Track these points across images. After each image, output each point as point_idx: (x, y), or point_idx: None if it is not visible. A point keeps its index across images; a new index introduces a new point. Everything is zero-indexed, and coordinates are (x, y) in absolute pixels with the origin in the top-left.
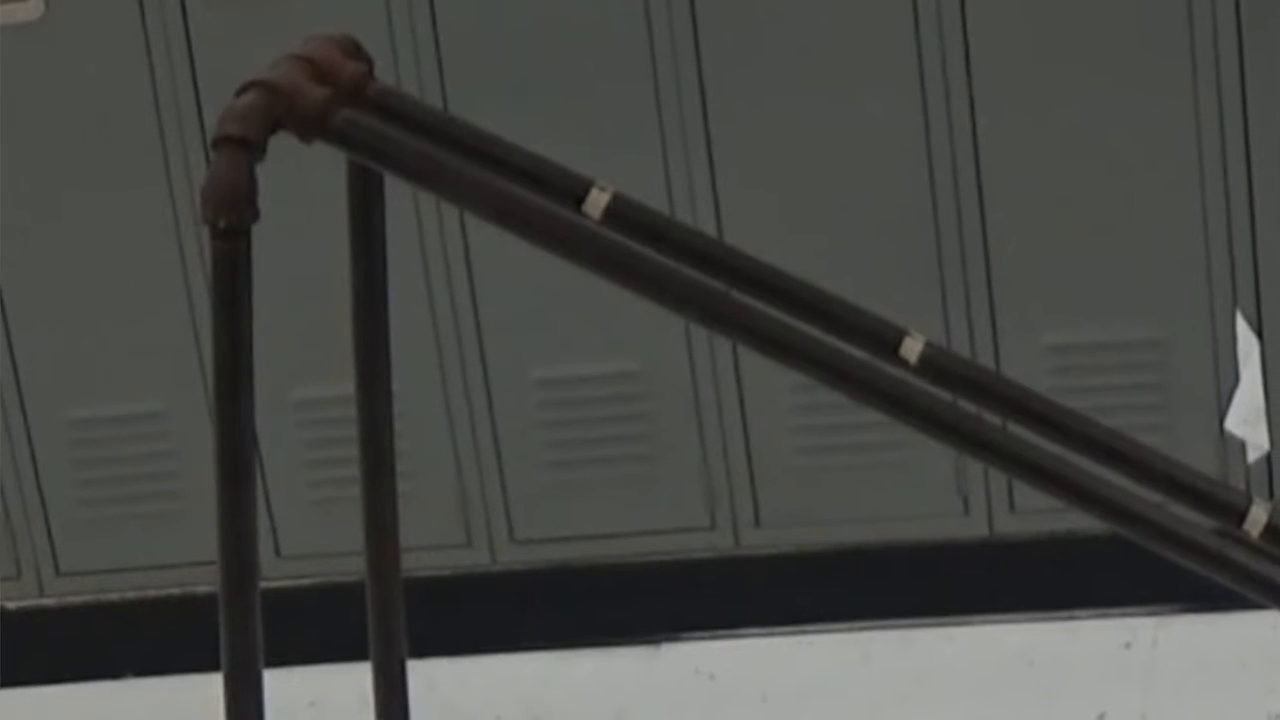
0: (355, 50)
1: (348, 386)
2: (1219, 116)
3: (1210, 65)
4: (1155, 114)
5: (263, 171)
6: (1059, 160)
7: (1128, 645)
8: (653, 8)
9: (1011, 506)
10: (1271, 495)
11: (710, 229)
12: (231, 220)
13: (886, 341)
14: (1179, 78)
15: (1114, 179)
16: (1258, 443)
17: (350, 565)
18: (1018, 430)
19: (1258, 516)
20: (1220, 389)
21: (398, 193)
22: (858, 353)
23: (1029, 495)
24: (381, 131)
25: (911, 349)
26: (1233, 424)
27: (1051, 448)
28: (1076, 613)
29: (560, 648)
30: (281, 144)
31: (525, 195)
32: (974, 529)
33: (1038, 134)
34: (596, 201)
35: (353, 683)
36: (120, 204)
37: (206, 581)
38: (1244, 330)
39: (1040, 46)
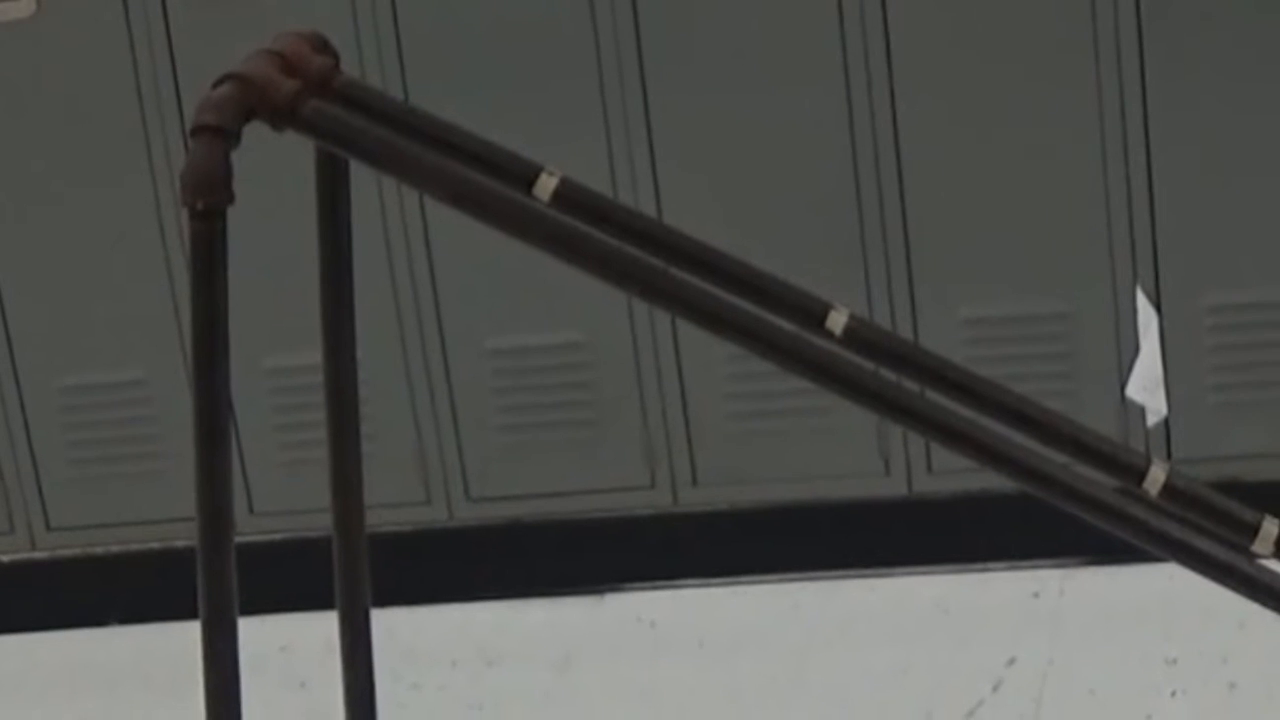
0: (323, 46)
1: (315, 355)
2: (1120, 106)
3: (1112, 57)
4: (1061, 104)
5: (237, 158)
6: (973, 147)
7: (1036, 595)
8: (598, 8)
9: (929, 467)
10: (1169, 457)
11: (651, 211)
12: (208, 203)
13: (813, 315)
14: (1083, 70)
15: (1024, 165)
16: (1156, 408)
17: (318, 521)
18: (935, 397)
19: (1156, 476)
20: (1121, 359)
21: (362, 178)
22: (786, 325)
23: (945, 457)
24: (347, 121)
25: (836, 321)
26: (1133, 391)
27: (966, 413)
28: (989, 565)
29: (511, 597)
30: (254, 132)
31: (480, 179)
32: (894, 488)
33: (953, 123)
34: (546, 185)
35: (320, 630)
36: (106, 188)
37: (185, 536)
38: (1144, 304)
39: (955, 42)
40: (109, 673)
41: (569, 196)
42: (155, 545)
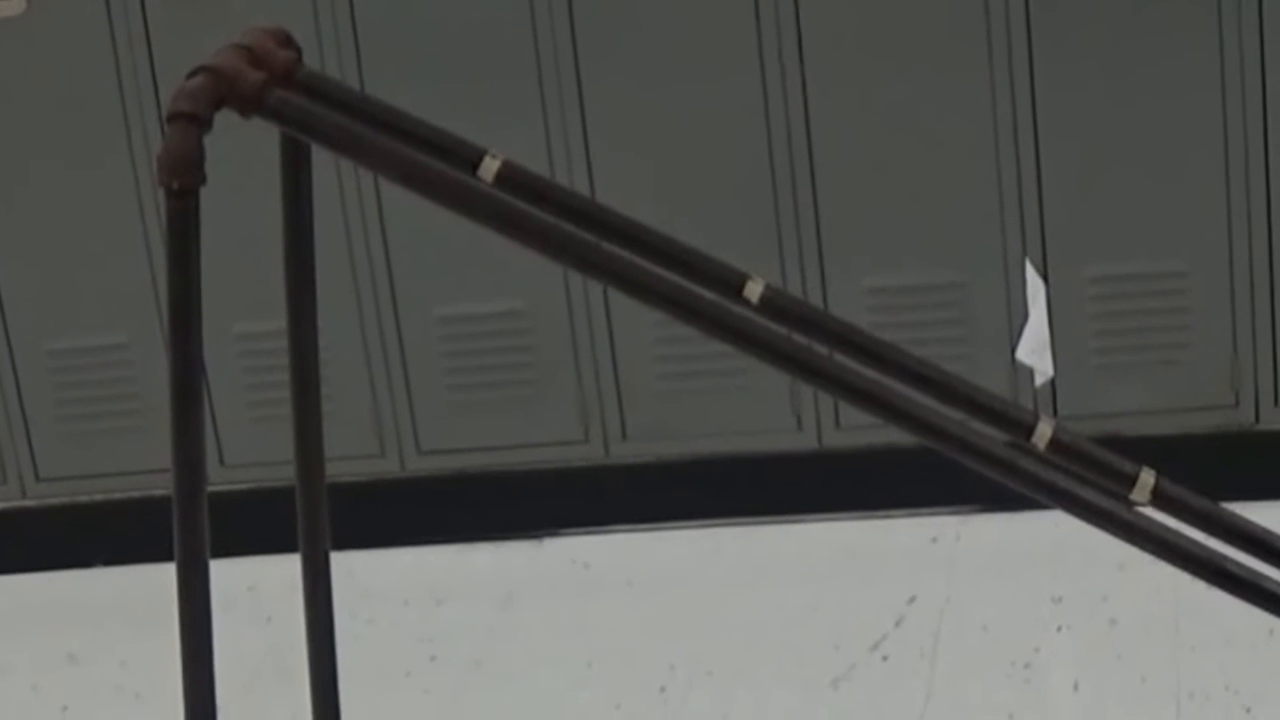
0: (287, 41)
1: (280, 322)
2: (1011, 95)
3: (1004, 50)
4: (957, 93)
5: (209, 143)
6: (878, 131)
7: (934, 540)
8: (536, 7)
9: (837, 423)
10: (1055, 413)
11: (585, 190)
12: (183, 183)
13: (732, 285)
14: (977, 62)
15: (924, 147)
16: (1044, 370)
17: (282, 472)
18: (842, 359)
19: (1043, 431)
20: (1012, 325)
21: (322, 161)
22: (708, 294)
23: (852, 414)
24: (308, 109)
25: (753, 291)
26: (1022, 354)
27: (871, 374)
28: (891, 513)
29: (458, 542)
30: (225, 120)
31: (429, 162)
32: (805, 442)
33: (860, 110)
34: (489, 167)
35: (284, 571)
36: (90, 170)
37: (162, 486)
38: (1032, 275)
39: (860, 37)
40: (94, 610)
41: (510, 178)
42: (135, 494)
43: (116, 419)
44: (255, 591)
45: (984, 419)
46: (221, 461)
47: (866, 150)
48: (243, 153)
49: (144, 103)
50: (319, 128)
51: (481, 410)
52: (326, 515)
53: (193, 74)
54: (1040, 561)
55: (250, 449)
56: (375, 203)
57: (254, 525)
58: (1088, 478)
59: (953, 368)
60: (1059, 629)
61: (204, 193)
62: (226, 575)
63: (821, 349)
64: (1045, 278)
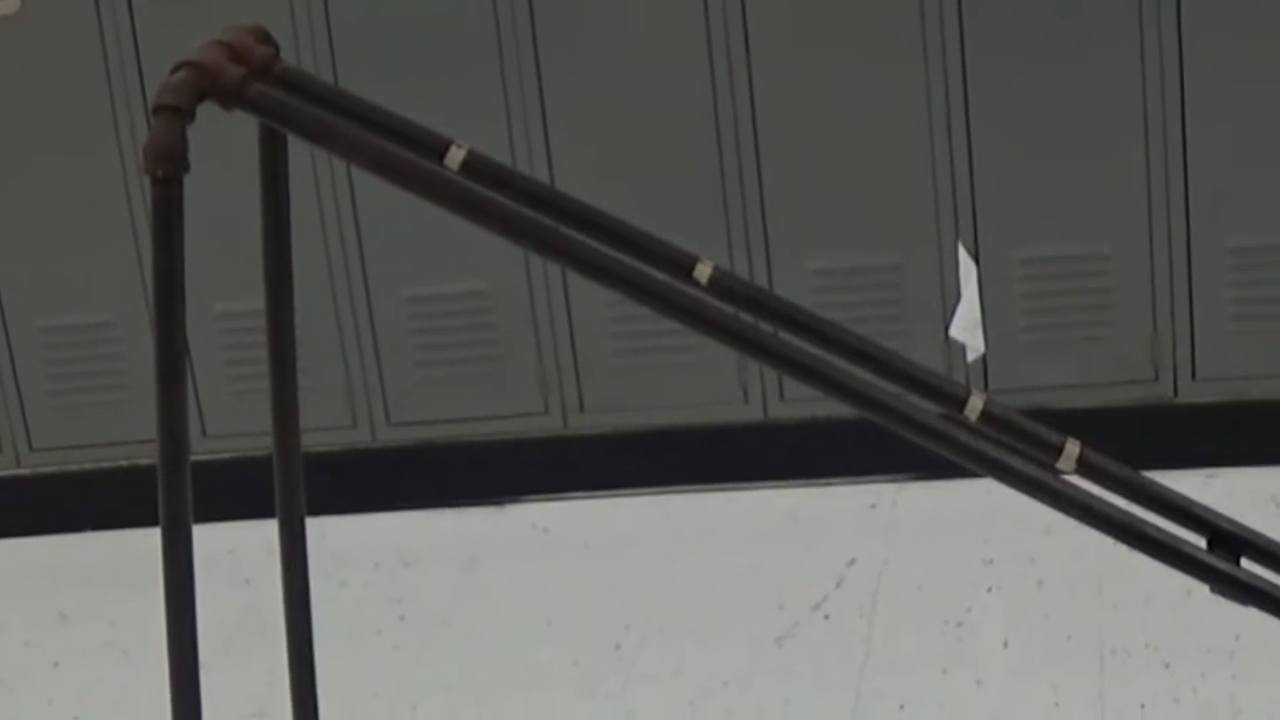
0: (265, 37)
1: (259, 301)
2: (945, 88)
3: (938, 45)
4: (894, 86)
5: (192, 133)
6: (819, 123)
7: (873, 506)
8: (499, 6)
9: (781, 396)
10: (986, 387)
11: (544, 178)
12: (167, 172)
13: (682, 266)
14: (913, 56)
15: (863, 138)
16: (975, 346)
17: (260, 443)
18: (787, 336)
19: (975, 404)
20: (945, 304)
21: (298, 150)
22: (660, 275)
23: (795, 387)
24: (285, 102)
25: (702, 272)
26: (956, 331)
27: (813, 350)
28: (832, 480)
29: (425, 508)
30: (207, 112)
31: (398, 151)
32: (752, 414)
33: (802, 102)
34: (455, 156)
35: (262, 535)
36: (81, 159)
37: (147, 455)
38: (964, 258)
39: (803, 33)
40: (83, 572)
41: (475, 166)
42: (123, 463)
43: (105, 393)
44: (235, 554)
45: (919, 392)
46: (204, 432)
47: (809, 140)
48: (224, 143)
49: (131, 96)
50: (295, 119)
51: (447, 384)
52: (302, 483)
53: (176, 69)
54: (972, 526)
55: (230, 420)
56: (348, 190)
57: (234, 492)
58: (1016, 448)
59: (890, 344)
60: (989, 589)
61: (187, 180)
62: (208, 539)
63: (767, 327)
64: (977, 260)
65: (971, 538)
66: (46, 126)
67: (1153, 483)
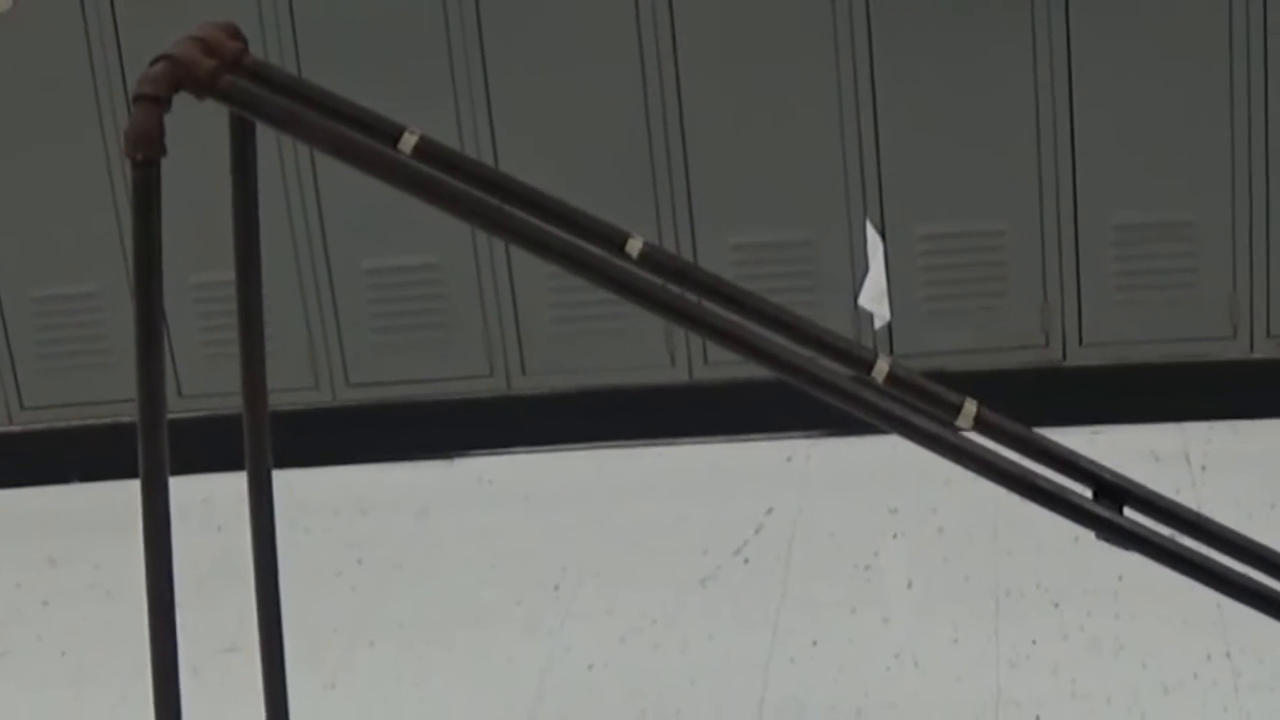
0: (235, 33)
1: (229, 273)
2: (854, 78)
3: (847, 38)
4: (808, 76)
5: (169, 121)
6: (740, 110)
7: (789, 459)
8: (449, 6)
9: (705, 360)
10: (892, 352)
11: (490, 161)
12: (146, 155)
13: (615, 241)
14: (825, 49)
15: (780, 125)
16: (882, 315)
17: (231, 402)
18: (710, 305)
19: (881, 367)
20: (854, 275)
21: (265, 135)
22: (595, 250)
23: (718, 351)
24: (254, 92)
25: (634, 247)
26: (864, 301)
27: (734, 318)
28: (751, 436)
29: (381, 461)
30: (182, 101)
31: (356, 137)
32: (678, 376)
33: (724, 91)
34: (408, 141)
35: (233, 486)
36: (69, 143)
37: (129, 413)
38: (872, 234)
39: (726, 28)
40: (70, 520)
41: (426, 150)
42: (106, 420)
43: (89, 356)
44: (208, 504)
45: (831, 356)
46: (179, 392)
47: (731, 126)
48: (198, 129)
49: (113, 87)
50: (263, 108)
51: (401, 349)
52: (269, 438)
53: (154, 62)
54: (879, 478)
55: (204, 382)
56: (311, 172)
57: (207, 447)
58: (919, 406)
59: (804, 313)
60: (895, 535)
61: (164, 163)
62: (183, 490)
63: (692, 297)
64: (883, 235)
65: (878, 489)
66: (38, 115)
67: (1043, 438)
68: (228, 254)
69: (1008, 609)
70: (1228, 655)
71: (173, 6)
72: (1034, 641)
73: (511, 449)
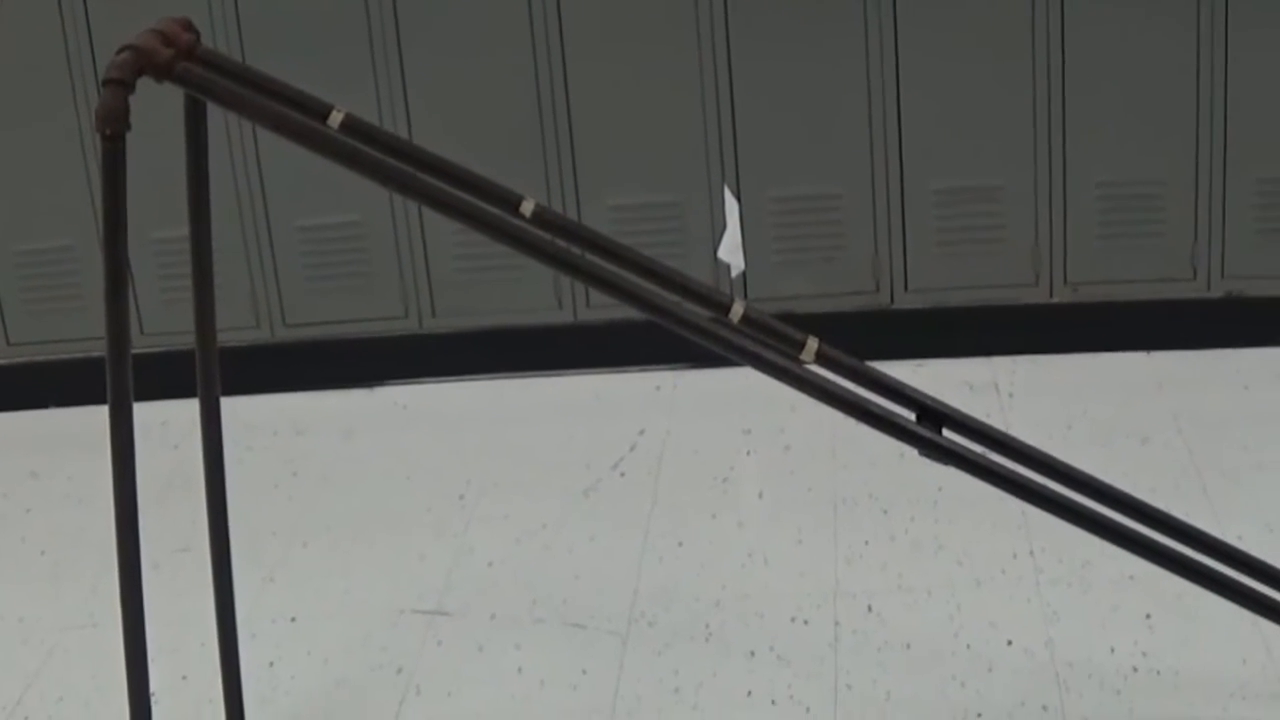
0: (189, 26)
1: (184, 229)
2: (714, 61)
3: (708, 27)
4: (675, 59)
5: (133, 101)
6: (617, 89)
7: (658, 388)
8: (370, 4)
9: (588, 304)
10: (746, 296)
11: (405, 134)
12: (113, 130)
13: (511, 202)
14: (689, 39)
15: (650, 102)
16: (737, 265)
17: (186, 339)
18: (592, 258)
19: (737, 310)
20: (714, 231)
21: (215, 113)
22: (494, 210)
23: (598, 297)
24: (205, 76)
25: (527, 208)
26: (722, 254)
27: (612, 268)
28: (626, 368)
29: (312, 390)
30: (144, 84)
31: (292, 114)
32: (565, 317)
33: (604, 73)
34: (335, 118)
35: (187, 411)
36: (47, 121)
37: (98, 349)
38: (729, 196)
39: (607, 18)
40: (49, 439)
41: (351, 125)
42: (79, 355)
43: (65, 300)
44: (166, 426)
45: (694, 301)
46: (141, 331)
47: (610, 104)
48: (158, 108)
49: (85, 72)
50: (213, 90)
51: (330, 294)
52: (217, 370)
53: (120, 51)
54: (734, 404)
55: (162, 321)
56: (253, 144)
57: (165, 377)
58: (769, 343)
59: (671, 264)
60: (748, 453)
61: (129, 137)
62: (144, 414)
63: (576, 250)
64: (739, 198)
65: (734, 413)
66: (20, 96)
67: (874, 370)
68: (182, 213)
69: (844, 515)
70: (1031, 554)
71: (136, 3)
72: (866, 542)
73: (423, 379)
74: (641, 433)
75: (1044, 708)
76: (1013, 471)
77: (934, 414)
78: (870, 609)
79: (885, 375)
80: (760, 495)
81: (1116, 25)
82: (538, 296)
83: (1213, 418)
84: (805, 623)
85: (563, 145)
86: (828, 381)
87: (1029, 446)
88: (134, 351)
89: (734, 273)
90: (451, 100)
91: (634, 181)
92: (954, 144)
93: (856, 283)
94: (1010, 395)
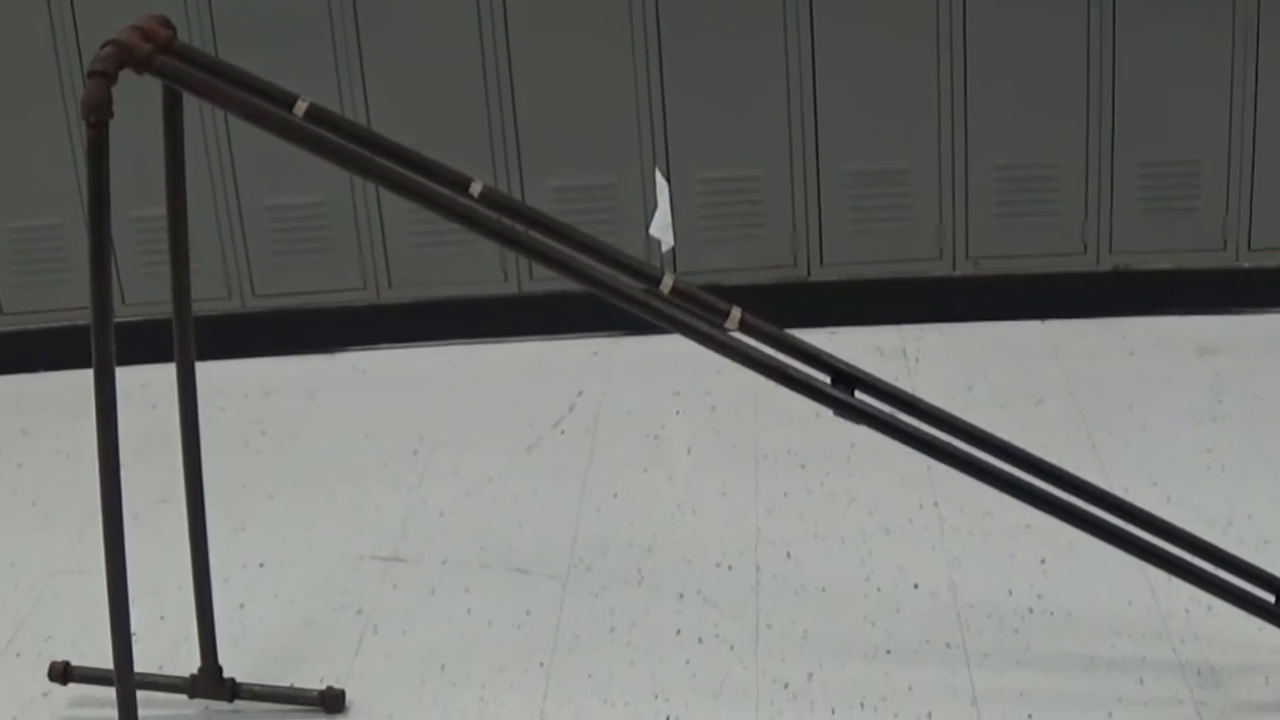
0: (167, 23)
1: (162, 209)
2: (645, 54)
3: (640, 26)
4: (610, 51)
5: (116, 91)
6: (559, 82)
7: (595, 354)
8: (332, 3)
9: (531, 276)
10: (675, 270)
11: (364, 121)
12: (98, 118)
13: (461, 184)
14: (622, 31)
15: (588, 91)
16: (667, 241)
17: (164, 309)
18: (535, 234)
19: (667, 282)
20: (646, 210)
21: (190, 102)
22: (445, 191)
23: (540, 270)
24: (181, 69)
25: (475, 188)
26: (654, 231)
27: (553, 244)
28: (566, 335)
29: (278, 355)
30: (126, 76)
31: (261, 104)
32: (510, 289)
33: (547, 67)
34: (300, 107)
35: (165, 375)
36: (37, 109)
37: (84, 318)
38: (660, 178)
39: (549, 17)
40: (39, 399)
41: (315, 114)
42: (66, 323)
43: (54, 274)
44: (146, 388)
45: (627, 274)
46: (123, 301)
47: (550, 93)
48: (138, 98)
49: (71, 65)
50: (188, 82)
51: (296, 268)
52: (192, 337)
53: (104, 46)
54: (665, 368)
55: (142, 292)
56: (225, 130)
57: (145, 344)
58: (696, 313)
59: (607, 240)
60: (678, 412)
61: (112, 124)
62: (126, 377)
63: (520, 227)
64: (669, 179)
65: (665, 376)
66: (11, 86)
67: (792, 337)
68: (160, 194)
69: (765, 469)
70: (935, 505)
71: (118, 2)
72: (785, 494)
73: (380, 345)
74: (580, 394)
75: (947, 645)
76: (919, 430)
77: (847, 377)
78: (789, 555)
79: (803, 342)
80: (688, 451)
81: (1014, 21)
82: (485, 270)
83: (1101, 381)
84: (729, 568)
85: (508, 131)
86: (750, 348)
87: (934, 407)
88: (116, 320)
89: (664, 248)
90: (406, 90)
91: (573, 164)
92: (865, 130)
93: (776, 257)
94: (917, 360)
